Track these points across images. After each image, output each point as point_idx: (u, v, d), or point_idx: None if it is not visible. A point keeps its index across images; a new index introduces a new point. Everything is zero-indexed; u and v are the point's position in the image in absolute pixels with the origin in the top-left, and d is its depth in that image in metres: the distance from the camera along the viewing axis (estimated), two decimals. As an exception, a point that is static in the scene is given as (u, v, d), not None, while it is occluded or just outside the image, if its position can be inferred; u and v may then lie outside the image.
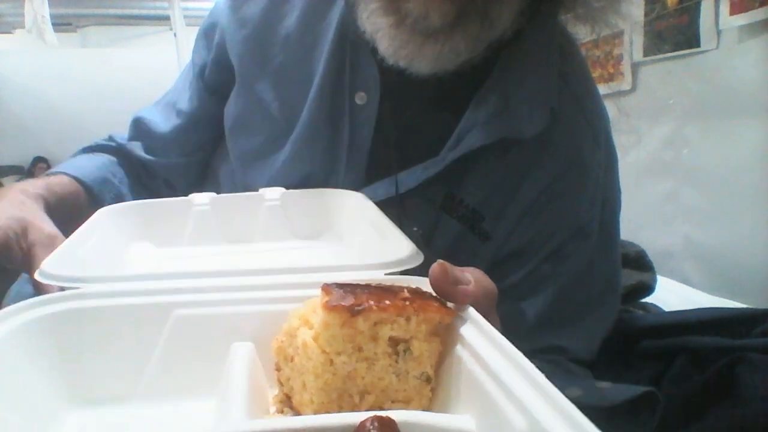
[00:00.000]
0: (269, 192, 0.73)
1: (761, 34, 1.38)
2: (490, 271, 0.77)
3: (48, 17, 2.95)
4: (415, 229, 0.73)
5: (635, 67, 1.78)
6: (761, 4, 1.35)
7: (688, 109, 1.61)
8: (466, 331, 0.38)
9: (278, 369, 0.42)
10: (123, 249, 0.66)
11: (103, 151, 0.91)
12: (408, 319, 0.37)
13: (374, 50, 0.70)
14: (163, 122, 0.92)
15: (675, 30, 1.60)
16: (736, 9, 1.42)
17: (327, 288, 0.37)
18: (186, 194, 0.77)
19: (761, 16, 1.36)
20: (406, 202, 0.75)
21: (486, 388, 0.33)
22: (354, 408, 0.37)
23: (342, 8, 0.76)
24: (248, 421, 0.34)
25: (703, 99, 1.56)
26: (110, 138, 0.93)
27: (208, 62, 0.88)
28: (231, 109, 0.85)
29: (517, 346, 0.34)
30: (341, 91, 0.77)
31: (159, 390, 0.43)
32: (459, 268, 0.42)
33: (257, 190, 0.76)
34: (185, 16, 3.17)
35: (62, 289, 0.46)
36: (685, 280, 1.55)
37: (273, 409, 0.41)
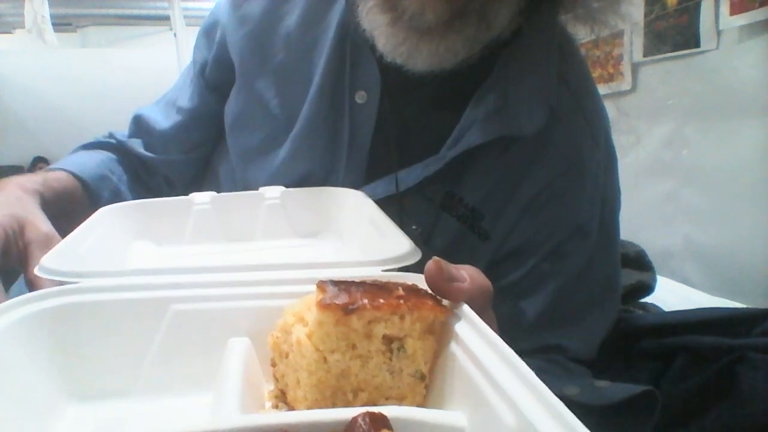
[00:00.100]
0: (269, 190, 0.74)
1: (761, 34, 1.38)
2: (489, 270, 0.77)
3: (48, 17, 2.96)
4: (414, 227, 0.74)
5: (635, 67, 1.78)
6: (761, 4, 1.35)
7: (688, 109, 1.61)
8: (461, 328, 0.38)
9: (274, 365, 0.42)
10: (123, 247, 0.66)
11: (102, 148, 0.91)
12: (402, 318, 0.37)
13: (374, 49, 0.71)
14: (163, 120, 0.92)
15: (675, 30, 1.60)
16: (736, 9, 1.42)
17: (322, 285, 0.37)
18: (185, 192, 0.77)
19: (761, 16, 1.36)
20: (406, 200, 0.75)
21: (478, 386, 0.33)
22: (348, 405, 0.37)
23: (342, 7, 0.77)
24: (241, 415, 0.34)
25: (703, 99, 1.56)
26: (110, 135, 0.93)
27: (208, 60, 0.88)
28: (231, 106, 0.85)
29: (513, 345, 0.34)
30: (341, 89, 0.77)
31: (156, 384, 0.43)
32: (455, 265, 0.42)
33: (257, 188, 0.76)
34: (185, 16, 3.18)
35: (61, 283, 0.46)
36: (685, 280, 1.56)
37: (268, 404, 0.42)
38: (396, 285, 0.39)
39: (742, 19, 1.40)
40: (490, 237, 0.76)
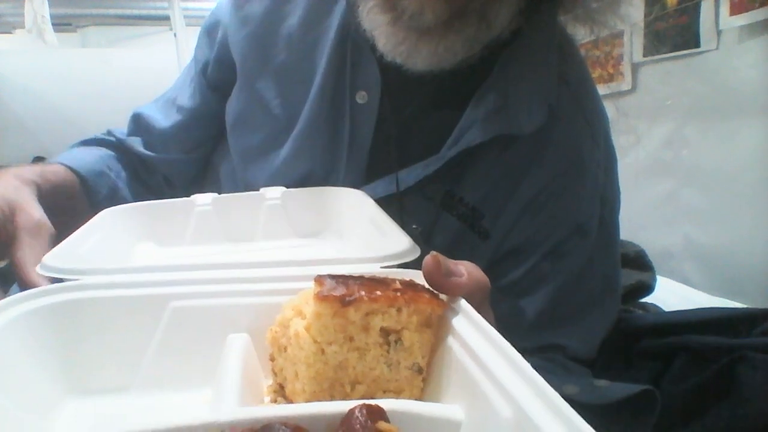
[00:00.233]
0: (270, 191, 0.74)
1: (761, 34, 1.38)
2: (489, 269, 0.77)
3: (48, 17, 2.96)
4: (414, 226, 0.74)
5: (635, 67, 1.78)
6: (761, 4, 1.35)
7: (688, 109, 1.61)
8: (458, 322, 0.38)
9: (272, 359, 0.43)
10: (126, 248, 0.67)
11: (101, 146, 0.91)
12: (399, 310, 0.37)
13: (374, 49, 0.71)
14: (163, 118, 0.92)
15: (675, 30, 1.60)
16: (736, 9, 1.42)
17: (320, 279, 0.37)
18: (185, 191, 0.78)
19: (761, 16, 1.36)
20: (406, 200, 0.75)
21: (475, 379, 0.33)
22: (345, 397, 0.37)
23: (343, 8, 0.77)
24: (238, 409, 0.34)
25: (703, 99, 1.56)
26: (109, 132, 0.93)
27: (210, 60, 0.88)
28: (232, 106, 0.85)
29: (513, 343, 0.35)
30: (342, 89, 0.77)
31: (155, 380, 0.44)
32: (452, 261, 0.42)
33: (258, 188, 0.76)
34: (185, 16, 3.18)
35: (58, 280, 0.46)
36: (685, 280, 1.56)
37: (267, 398, 0.42)
38: (393, 279, 0.39)
39: (742, 19, 1.40)
40: (490, 236, 0.76)
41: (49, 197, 0.71)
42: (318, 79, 0.78)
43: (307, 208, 0.74)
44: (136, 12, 3.56)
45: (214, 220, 0.72)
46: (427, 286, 0.41)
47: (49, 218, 0.65)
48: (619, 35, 1.77)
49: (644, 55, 1.73)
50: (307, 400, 0.36)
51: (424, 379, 0.39)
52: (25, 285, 0.55)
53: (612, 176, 0.84)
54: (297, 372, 0.38)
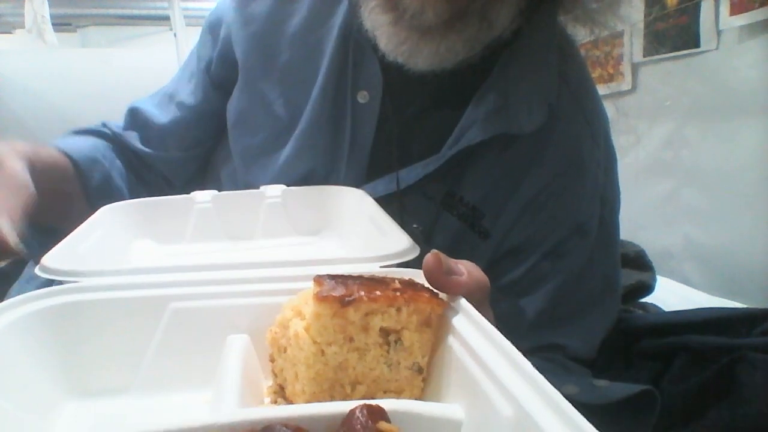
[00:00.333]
0: (270, 189, 0.74)
1: (761, 34, 1.38)
2: (489, 269, 0.77)
3: (48, 17, 2.95)
4: (415, 226, 0.74)
5: (635, 67, 1.77)
6: (761, 5, 1.35)
7: (688, 109, 1.61)
8: (458, 322, 0.38)
9: (272, 360, 0.42)
10: (125, 246, 0.67)
11: (95, 136, 0.89)
12: (399, 310, 0.37)
13: (376, 49, 0.72)
14: (161, 114, 0.90)
15: (675, 30, 1.60)
16: (736, 9, 1.42)
17: (319, 279, 0.37)
18: (182, 189, 0.77)
19: (761, 17, 1.36)
20: (407, 199, 0.75)
21: (475, 378, 0.33)
22: (346, 398, 0.37)
23: (346, 8, 0.77)
24: (238, 410, 0.34)
25: (703, 99, 1.55)
26: (104, 125, 0.91)
27: (213, 57, 0.88)
28: (234, 105, 0.85)
29: (512, 342, 0.34)
30: (344, 89, 0.78)
31: (155, 382, 0.44)
32: (453, 259, 0.42)
33: (258, 188, 0.76)
34: (185, 16, 3.17)
35: (60, 282, 0.46)
36: (685, 280, 1.55)
37: (267, 399, 0.42)
38: (393, 279, 0.39)
39: (742, 19, 1.40)
40: (491, 235, 0.76)
41: (41, 176, 0.68)
42: (320, 78, 0.78)
43: (307, 206, 0.74)
44: (136, 12, 3.55)
45: (213, 217, 0.72)
46: (426, 285, 0.41)
47: (39, 198, 0.64)
48: (619, 35, 1.77)
49: (644, 55, 1.72)
50: (308, 401, 0.36)
51: (425, 379, 0.39)
52: None
53: (612, 176, 0.84)
54: (297, 373, 0.37)
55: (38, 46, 3.22)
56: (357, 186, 0.76)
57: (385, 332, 0.37)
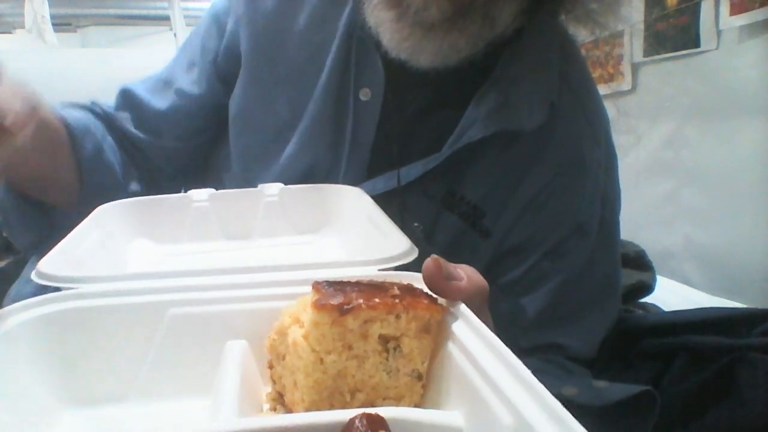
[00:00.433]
0: (268, 188, 0.74)
1: (761, 34, 1.38)
2: (489, 268, 0.78)
3: (48, 17, 2.95)
4: (416, 225, 0.74)
5: (635, 67, 1.77)
6: (761, 4, 1.35)
7: (688, 109, 1.60)
8: (458, 328, 0.38)
9: (271, 367, 0.42)
10: (122, 247, 0.66)
11: (86, 111, 0.86)
12: (398, 317, 0.37)
13: (379, 47, 0.72)
14: (156, 99, 0.87)
15: (675, 30, 1.59)
16: (736, 9, 1.42)
17: (317, 286, 0.37)
18: (172, 179, 0.77)
19: (761, 16, 1.35)
20: (408, 198, 0.75)
21: (475, 385, 0.33)
22: (345, 406, 0.37)
23: (350, 6, 0.77)
24: (237, 419, 0.34)
25: (703, 99, 1.55)
26: (93, 103, 0.87)
27: (220, 50, 0.86)
28: (236, 101, 0.84)
29: (513, 343, 0.34)
30: (346, 86, 0.78)
31: (154, 389, 0.43)
32: (452, 264, 0.42)
33: (258, 185, 0.76)
34: (185, 16, 3.17)
35: (58, 288, 0.46)
36: (685, 280, 1.55)
37: (266, 406, 0.42)
38: (391, 284, 0.39)
39: (742, 19, 1.40)
40: (491, 235, 0.76)
41: (37, 131, 0.65)
42: (323, 76, 0.78)
43: (305, 205, 0.73)
44: (136, 12, 3.55)
45: (211, 216, 0.72)
46: (425, 290, 0.40)
47: (32, 154, 0.63)
48: (619, 35, 1.77)
49: (644, 55, 1.72)
50: (307, 409, 0.36)
51: (424, 386, 0.39)
52: None
53: (613, 176, 0.85)
54: (296, 381, 0.37)
55: (38, 46, 3.22)
56: (357, 183, 0.76)
57: (384, 339, 0.37)
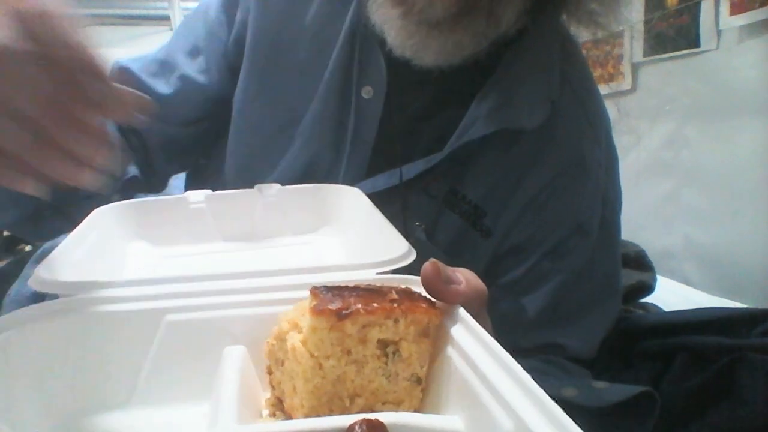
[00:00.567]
0: (265, 188, 0.73)
1: (761, 34, 1.38)
2: (490, 267, 0.78)
3: (48, 18, 2.94)
4: (417, 224, 0.74)
5: (635, 67, 1.77)
6: (761, 4, 1.35)
7: (688, 109, 1.60)
8: (457, 331, 0.38)
9: (270, 372, 0.42)
10: (120, 249, 0.66)
11: None
12: (396, 321, 0.37)
13: (382, 44, 0.72)
14: (158, 83, 0.83)
15: (675, 30, 1.59)
16: (736, 9, 1.42)
17: (315, 291, 0.37)
18: (163, 166, 0.78)
19: (761, 16, 1.35)
20: (410, 197, 0.75)
21: (475, 390, 0.33)
22: (345, 411, 0.37)
23: (355, 4, 0.77)
24: (237, 426, 0.33)
25: (703, 99, 1.55)
26: None
27: (229, 41, 0.84)
28: (239, 97, 0.84)
29: (513, 343, 0.34)
30: (349, 84, 0.78)
31: (152, 396, 0.43)
32: (450, 268, 0.42)
33: (261, 179, 0.75)
34: (185, 17, 3.16)
35: (56, 296, 0.46)
36: (685, 280, 1.55)
37: (265, 412, 0.41)
38: (390, 289, 0.39)
39: (742, 19, 1.40)
40: (492, 234, 0.77)
41: None
42: (326, 73, 0.78)
43: (303, 206, 0.73)
44: (136, 12, 3.54)
45: (208, 217, 0.71)
46: (423, 294, 0.40)
47: None
48: (619, 35, 1.77)
49: (644, 55, 1.72)
50: (306, 415, 0.36)
51: (423, 390, 0.39)
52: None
53: (613, 176, 0.85)
54: (295, 386, 0.37)
55: (38, 47, 3.21)
56: (358, 181, 0.76)
57: (382, 344, 0.37)
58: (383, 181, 0.76)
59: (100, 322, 0.44)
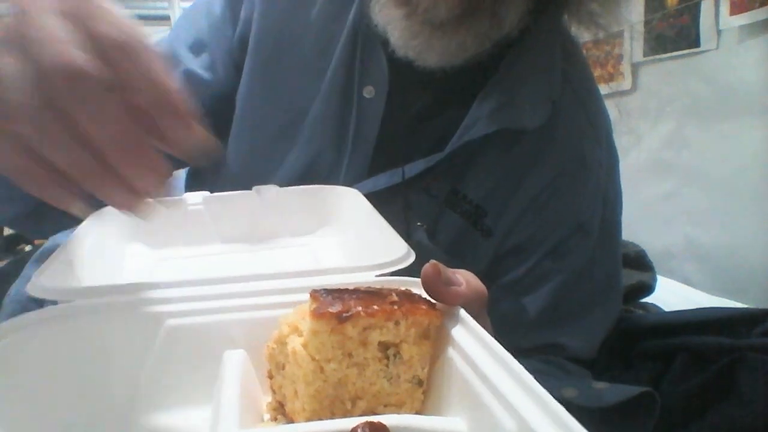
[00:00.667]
0: (263, 189, 0.73)
1: (761, 34, 1.38)
2: (491, 267, 0.77)
3: (47, 18, 2.93)
4: (419, 224, 0.74)
5: (635, 67, 1.77)
6: (761, 4, 1.35)
7: (688, 109, 1.61)
8: (458, 333, 0.38)
9: (270, 376, 0.42)
10: (118, 252, 0.65)
11: None
12: (397, 323, 0.37)
13: (385, 44, 0.72)
14: None
15: (675, 30, 1.59)
16: (736, 9, 1.42)
17: (315, 294, 0.36)
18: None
19: (761, 16, 1.36)
20: (411, 196, 0.75)
21: (477, 391, 0.33)
22: (346, 414, 0.36)
23: (357, 3, 0.77)
24: (238, 430, 0.33)
25: (703, 99, 1.55)
26: None
27: (235, 38, 0.83)
28: (241, 96, 0.83)
29: (513, 343, 0.34)
30: (351, 83, 0.78)
31: (153, 401, 0.43)
32: (451, 269, 0.42)
33: (262, 178, 0.75)
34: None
35: (55, 302, 0.45)
36: (685, 280, 1.55)
37: (267, 416, 0.41)
38: (390, 291, 0.38)
39: (742, 19, 1.40)
40: (493, 234, 0.77)
41: None
42: (329, 73, 0.78)
43: (302, 207, 0.72)
44: (136, 12, 3.54)
45: (206, 219, 0.71)
46: (423, 296, 0.40)
47: None
48: (619, 35, 1.77)
49: (644, 55, 1.72)
50: (308, 419, 0.36)
51: (425, 392, 0.39)
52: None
53: (614, 176, 0.85)
54: (296, 390, 0.37)
55: (38, 47, 3.21)
56: (359, 181, 0.76)
57: (383, 346, 0.37)
58: (385, 180, 0.76)
59: (99, 327, 0.43)
